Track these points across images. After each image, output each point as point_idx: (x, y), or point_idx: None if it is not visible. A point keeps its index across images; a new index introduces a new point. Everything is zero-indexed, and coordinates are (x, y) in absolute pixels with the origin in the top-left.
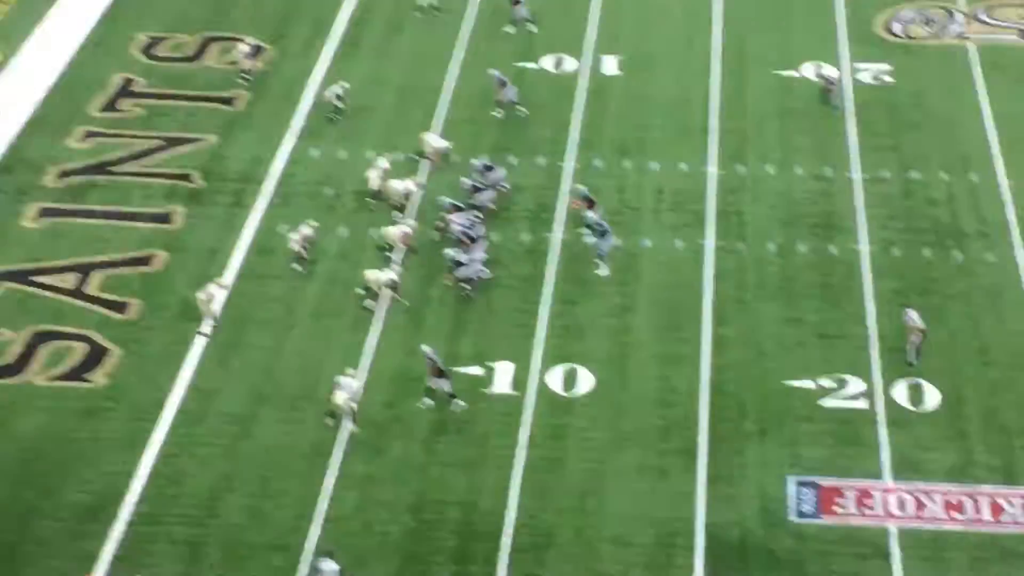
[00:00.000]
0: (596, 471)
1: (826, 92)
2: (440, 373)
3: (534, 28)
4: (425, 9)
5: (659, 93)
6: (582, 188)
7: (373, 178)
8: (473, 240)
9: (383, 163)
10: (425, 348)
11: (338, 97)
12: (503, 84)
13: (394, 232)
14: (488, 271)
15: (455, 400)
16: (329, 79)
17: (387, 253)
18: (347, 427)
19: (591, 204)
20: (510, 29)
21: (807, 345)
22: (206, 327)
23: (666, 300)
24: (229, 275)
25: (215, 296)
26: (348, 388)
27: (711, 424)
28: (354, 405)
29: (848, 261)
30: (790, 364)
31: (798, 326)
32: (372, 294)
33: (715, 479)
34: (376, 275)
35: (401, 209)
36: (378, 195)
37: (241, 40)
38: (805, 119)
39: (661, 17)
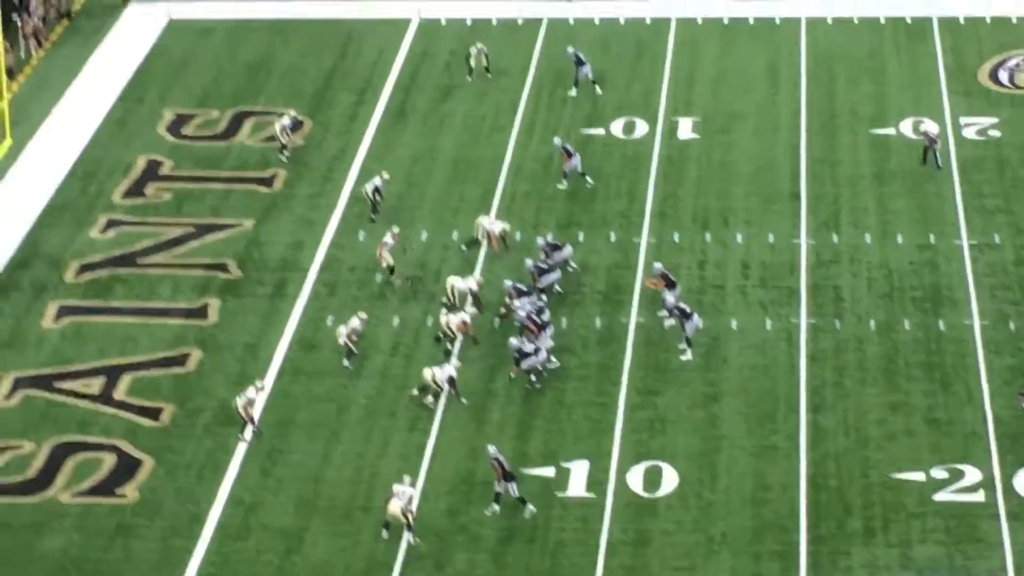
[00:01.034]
0: None
1: (927, 150)
2: (508, 475)
3: (600, 90)
4: (478, 72)
5: (741, 157)
6: (659, 266)
7: (384, 255)
8: (539, 327)
9: (388, 239)
10: (490, 448)
11: (376, 191)
12: (569, 154)
13: (453, 320)
14: (556, 361)
15: (525, 505)
16: (373, 153)
17: (446, 345)
18: (406, 539)
19: (670, 284)
20: (573, 92)
21: (915, 433)
22: (247, 434)
23: (756, 387)
24: (271, 373)
25: (254, 400)
26: (403, 496)
27: (811, 523)
28: (411, 514)
29: (958, 338)
30: (897, 454)
31: (904, 412)
32: (432, 391)
33: None
34: (433, 372)
35: (452, 307)
36: (392, 271)
37: (282, 113)
38: (905, 181)
39: (739, 74)
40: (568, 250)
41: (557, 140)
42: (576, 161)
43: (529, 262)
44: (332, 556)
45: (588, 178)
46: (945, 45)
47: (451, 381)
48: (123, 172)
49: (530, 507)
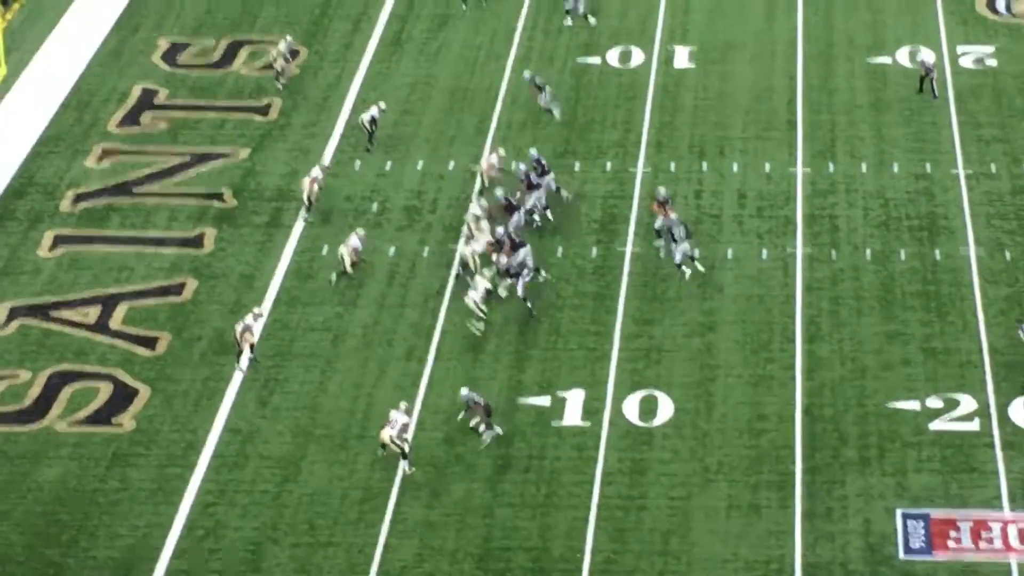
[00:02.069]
0: (680, 509)
1: (924, 79)
2: (488, 412)
3: (594, 20)
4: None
5: (737, 87)
6: (663, 190)
7: (307, 185)
8: (516, 245)
9: (316, 171)
10: (464, 391)
11: (372, 120)
12: (539, 88)
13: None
14: (533, 274)
15: (489, 430)
16: (368, 82)
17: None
18: (401, 467)
19: (664, 207)
20: (568, 22)
21: (911, 362)
22: (244, 362)
23: (752, 316)
24: (267, 303)
25: (252, 328)
26: (395, 424)
27: (807, 453)
28: (406, 443)
29: (954, 267)
30: (893, 383)
31: (901, 341)
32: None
33: (813, 514)
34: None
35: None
36: (310, 207)
37: (277, 41)
38: (901, 110)
39: (736, 2)
40: (549, 177)
41: (527, 74)
42: (545, 96)
43: (522, 167)
44: (329, 485)
45: (553, 110)
46: None
47: (489, 292)
48: (118, 101)
49: (497, 429)
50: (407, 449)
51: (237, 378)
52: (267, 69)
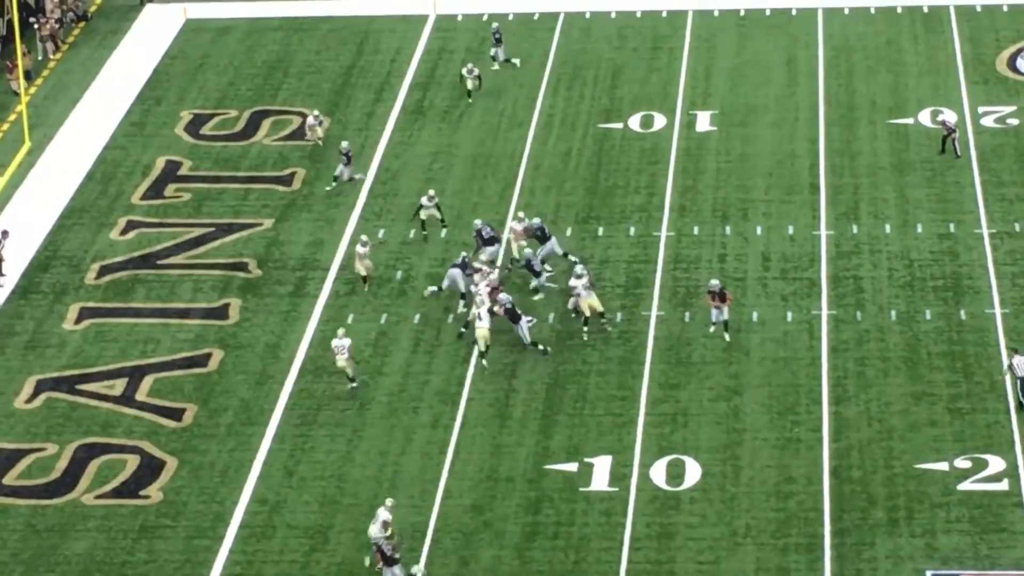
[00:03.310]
0: (709, 573)
1: (946, 139)
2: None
3: (517, 62)
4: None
5: (760, 150)
6: (537, 221)
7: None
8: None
9: (360, 249)
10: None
11: (424, 208)
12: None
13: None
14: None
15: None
16: (391, 151)
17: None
18: (429, 535)
19: (542, 238)
20: (496, 67)
21: (938, 422)
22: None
23: (778, 379)
24: (292, 372)
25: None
26: (377, 520)
27: (835, 515)
28: (388, 542)
29: (980, 326)
30: (920, 444)
31: (927, 402)
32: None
33: None
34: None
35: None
36: (366, 281)
37: (305, 114)
38: (924, 171)
39: (757, 65)
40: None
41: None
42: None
43: (476, 223)
44: (357, 554)
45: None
46: (962, 34)
47: (492, 313)
48: (142, 173)
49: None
50: (387, 551)
51: (264, 448)
52: (290, 139)
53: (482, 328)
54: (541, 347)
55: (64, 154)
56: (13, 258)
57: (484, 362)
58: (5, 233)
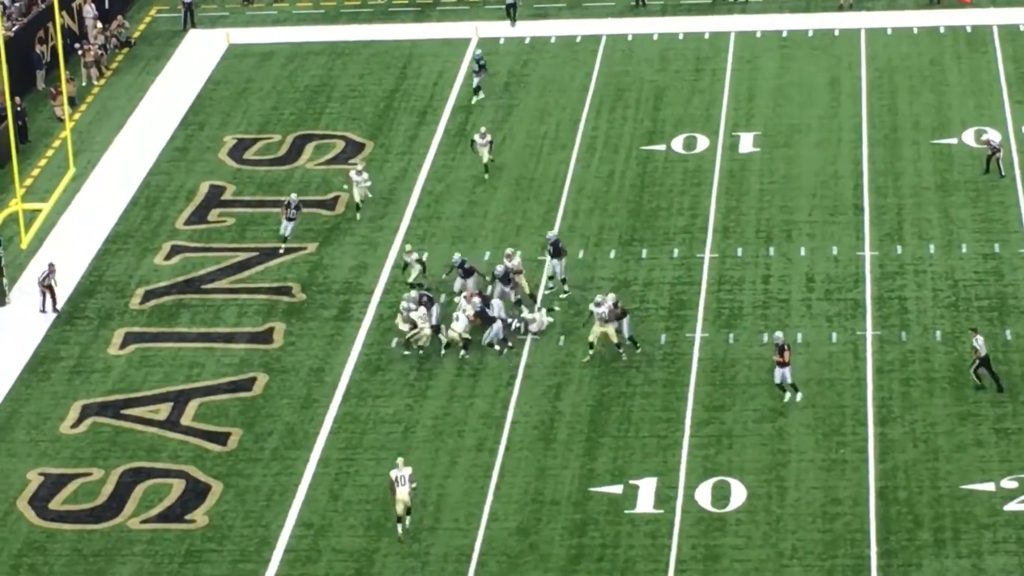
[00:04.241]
0: None
1: (990, 159)
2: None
3: (482, 95)
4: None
5: (803, 171)
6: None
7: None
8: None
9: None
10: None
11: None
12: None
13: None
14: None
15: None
16: (434, 174)
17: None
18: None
19: (556, 253)
20: (481, 95)
21: (984, 443)
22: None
23: (823, 400)
24: (337, 396)
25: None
26: (403, 480)
27: (881, 536)
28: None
29: None
30: (966, 465)
31: (973, 422)
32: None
33: None
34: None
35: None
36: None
37: (351, 165)
38: (968, 191)
39: (799, 86)
40: (471, 281)
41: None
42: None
43: (456, 257)
44: None
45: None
46: (1006, 53)
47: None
48: (186, 198)
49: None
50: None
51: (309, 472)
52: (333, 163)
53: (454, 332)
54: (498, 348)
55: (108, 179)
56: (59, 283)
57: (443, 351)
58: (52, 266)
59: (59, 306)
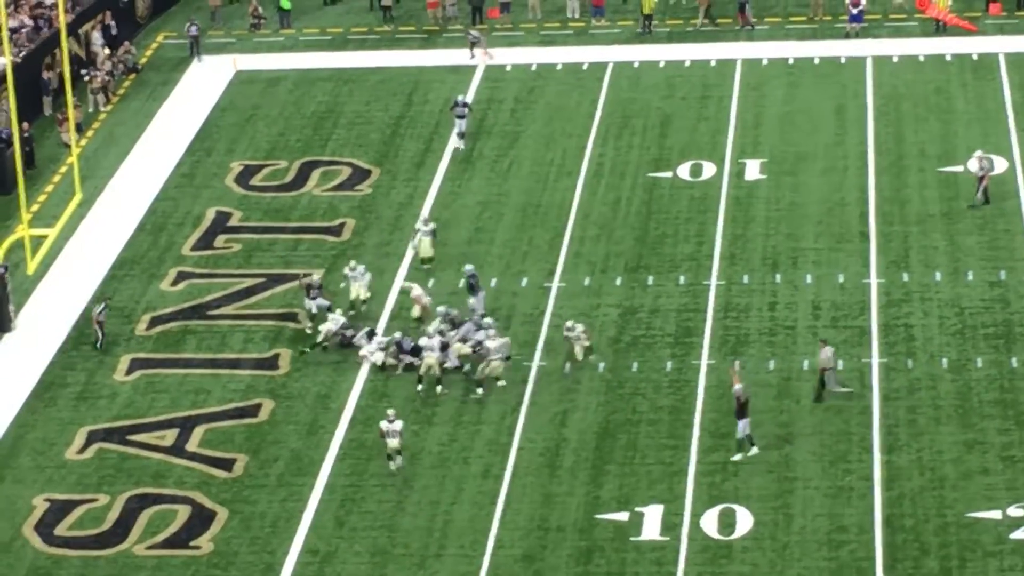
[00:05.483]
0: None
1: (982, 179)
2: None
3: (463, 145)
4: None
5: (809, 198)
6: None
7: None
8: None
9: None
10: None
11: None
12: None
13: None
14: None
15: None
16: (440, 201)
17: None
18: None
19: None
20: (460, 144)
21: (991, 471)
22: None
23: (830, 427)
24: (343, 423)
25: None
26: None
27: (888, 564)
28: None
29: None
30: (973, 493)
31: (979, 450)
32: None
33: None
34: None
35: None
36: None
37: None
38: (974, 218)
39: (806, 114)
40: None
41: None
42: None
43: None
44: None
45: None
46: (1012, 81)
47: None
48: (192, 224)
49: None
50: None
51: (315, 498)
52: (339, 190)
53: (430, 357)
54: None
55: (115, 205)
56: (62, 309)
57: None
58: (107, 303)
59: (101, 347)
